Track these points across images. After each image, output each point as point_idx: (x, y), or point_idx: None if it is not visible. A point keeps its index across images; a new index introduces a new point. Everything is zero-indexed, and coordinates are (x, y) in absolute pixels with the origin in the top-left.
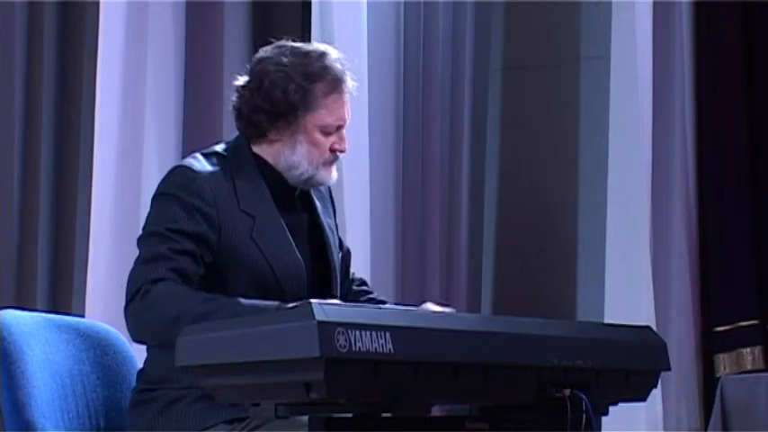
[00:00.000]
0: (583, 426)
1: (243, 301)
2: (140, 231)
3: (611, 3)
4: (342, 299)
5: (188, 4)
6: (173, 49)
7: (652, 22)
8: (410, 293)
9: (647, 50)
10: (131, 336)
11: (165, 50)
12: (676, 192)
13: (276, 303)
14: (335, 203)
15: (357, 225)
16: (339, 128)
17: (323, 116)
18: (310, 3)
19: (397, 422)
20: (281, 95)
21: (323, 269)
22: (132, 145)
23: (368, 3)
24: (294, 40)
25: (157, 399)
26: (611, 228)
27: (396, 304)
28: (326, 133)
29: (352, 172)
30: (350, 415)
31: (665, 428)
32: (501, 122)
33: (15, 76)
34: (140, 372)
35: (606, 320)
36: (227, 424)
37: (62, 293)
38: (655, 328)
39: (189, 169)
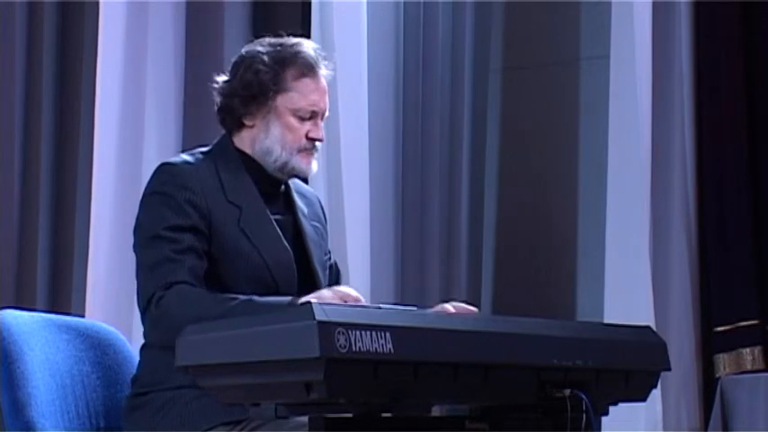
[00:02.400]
0: (583, 426)
1: (257, 298)
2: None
3: (611, 3)
4: None
5: (188, 4)
6: (173, 49)
7: (652, 23)
8: (410, 293)
9: (646, 50)
10: (154, 341)
11: (165, 50)
12: (676, 192)
13: (289, 299)
14: (336, 207)
15: (357, 226)
16: (313, 115)
17: (294, 99)
18: (310, 3)
19: (397, 422)
20: (253, 77)
21: (307, 270)
22: (132, 145)
23: (368, 3)
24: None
25: (150, 402)
26: (611, 228)
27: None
28: (300, 118)
29: (352, 172)
30: (350, 415)
31: (664, 428)
32: (501, 122)
33: (15, 76)
34: (133, 378)
35: (606, 320)
36: (225, 426)
37: (62, 293)
38: (655, 328)
39: (173, 165)
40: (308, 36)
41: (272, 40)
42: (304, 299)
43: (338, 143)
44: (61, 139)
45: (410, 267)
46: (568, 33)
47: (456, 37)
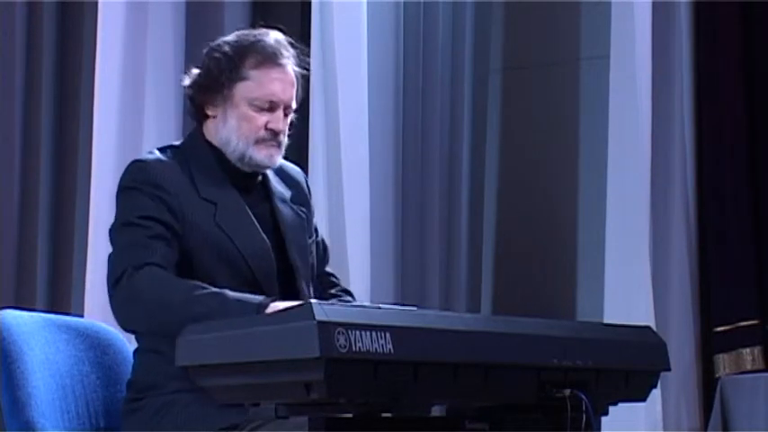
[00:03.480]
0: (583, 426)
1: (228, 293)
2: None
3: (610, 3)
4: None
5: (188, 4)
6: (172, 49)
7: (652, 23)
8: (410, 293)
9: (646, 50)
10: (119, 324)
11: (165, 50)
12: (676, 192)
13: (261, 298)
14: (336, 207)
15: (357, 226)
16: (273, 105)
17: (250, 88)
18: (310, 3)
19: (397, 422)
20: (213, 66)
21: (287, 259)
22: (131, 145)
23: (368, 3)
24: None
25: (146, 407)
26: (611, 228)
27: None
28: (258, 108)
29: (352, 172)
30: (350, 415)
31: (664, 428)
32: (501, 122)
33: (15, 75)
34: (128, 382)
35: (606, 320)
36: (223, 430)
37: (62, 293)
38: (655, 328)
39: (145, 163)
40: (307, 36)
41: (242, 32)
42: (269, 310)
43: (338, 143)
44: (61, 139)
45: (410, 267)
46: (568, 33)
47: (456, 37)
